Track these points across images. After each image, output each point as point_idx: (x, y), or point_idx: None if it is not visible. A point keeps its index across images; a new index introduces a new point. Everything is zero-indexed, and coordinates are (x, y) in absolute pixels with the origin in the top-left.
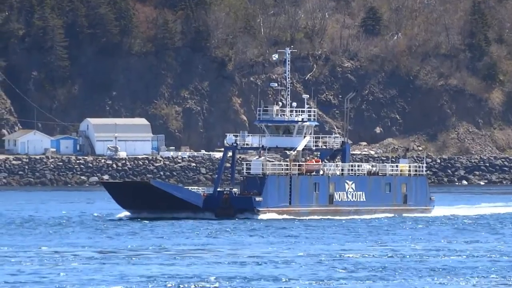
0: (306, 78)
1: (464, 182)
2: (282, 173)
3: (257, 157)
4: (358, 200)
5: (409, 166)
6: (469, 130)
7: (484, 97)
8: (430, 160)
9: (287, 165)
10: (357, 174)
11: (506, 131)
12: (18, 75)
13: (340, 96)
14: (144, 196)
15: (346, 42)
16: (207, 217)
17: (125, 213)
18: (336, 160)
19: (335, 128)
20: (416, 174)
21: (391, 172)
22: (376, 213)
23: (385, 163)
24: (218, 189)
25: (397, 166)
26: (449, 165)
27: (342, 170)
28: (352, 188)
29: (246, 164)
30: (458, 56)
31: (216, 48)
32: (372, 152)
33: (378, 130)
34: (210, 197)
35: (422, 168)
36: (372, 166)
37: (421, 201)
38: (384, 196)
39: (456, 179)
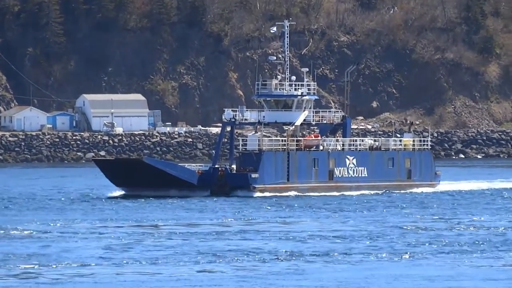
0: (302, 53)
1: (461, 155)
2: (279, 149)
3: (254, 132)
4: (360, 175)
5: (413, 141)
6: (466, 103)
7: (480, 71)
8: (426, 134)
9: (284, 140)
10: (358, 149)
11: (503, 105)
12: (14, 52)
13: (337, 71)
14: (136, 173)
15: (342, 17)
16: (202, 195)
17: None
18: (337, 135)
19: (332, 102)
20: (420, 148)
21: (394, 147)
22: (378, 189)
23: (388, 138)
24: (214, 166)
25: (400, 140)
26: (446, 139)
27: (343, 145)
28: (353, 163)
29: (242, 140)
30: (455, 29)
31: (212, 23)
32: (369, 127)
33: (374, 104)
34: (205, 174)
35: (427, 142)
36: (375, 140)
37: (426, 176)
38: (387, 171)
39: (453, 153)
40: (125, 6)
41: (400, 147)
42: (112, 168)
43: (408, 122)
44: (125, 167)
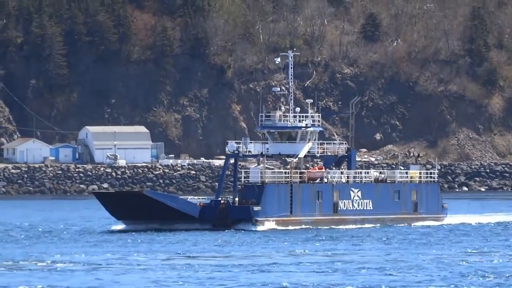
0: (306, 85)
1: (465, 188)
2: (282, 181)
3: (256, 164)
4: (365, 208)
5: (420, 173)
6: (469, 136)
7: (484, 103)
8: (430, 166)
9: (287, 172)
10: (363, 181)
11: (506, 137)
12: (17, 84)
13: (340, 103)
14: (137, 206)
15: (345, 49)
16: (204, 228)
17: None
18: (342, 167)
19: (335, 134)
20: (427, 181)
21: (400, 179)
22: (384, 222)
23: (394, 170)
24: (215, 199)
25: (406, 172)
26: (450, 171)
27: (348, 177)
28: (358, 196)
29: (245, 172)
30: (458, 61)
31: (215, 55)
32: (373, 159)
33: (378, 136)
34: (206, 207)
35: (434, 174)
36: (380, 173)
37: (433, 209)
38: (393, 204)
39: (456, 186)
40: (128, 38)
41: (406, 179)
42: (112, 201)
43: (412, 154)
44: (126, 200)
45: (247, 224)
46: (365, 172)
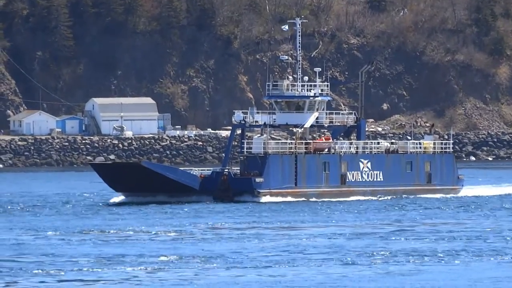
0: (312, 55)
1: (472, 158)
2: (286, 152)
3: (259, 135)
4: (375, 180)
5: (434, 143)
6: (476, 105)
7: (491, 72)
8: (437, 136)
9: (292, 143)
10: (373, 152)
11: None
12: (23, 56)
13: (347, 73)
14: (136, 178)
15: (352, 19)
16: (205, 200)
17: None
18: (351, 137)
19: (342, 105)
20: (442, 151)
21: (413, 150)
22: (395, 193)
23: (406, 140)
24: (218, 170)
25: (420, 143)
26: (457, 141)
27: (357, 148)
28: (367, 167)
29: (247, 142)
30: (465, 31)
31: (222, 26)
32: (380, 129)
33: (385, 106)
34: (207, 178)
35: (449, 145)
36: (392, 143)
37: (448, 180)
38: (405, 175)
39: (463, 155)
40: (134, 9)
41: (419, 150)
42: (110, 172)
43: (420, 124)
44: (123, 172)
45: (249, 196)
46: (376, 143)
